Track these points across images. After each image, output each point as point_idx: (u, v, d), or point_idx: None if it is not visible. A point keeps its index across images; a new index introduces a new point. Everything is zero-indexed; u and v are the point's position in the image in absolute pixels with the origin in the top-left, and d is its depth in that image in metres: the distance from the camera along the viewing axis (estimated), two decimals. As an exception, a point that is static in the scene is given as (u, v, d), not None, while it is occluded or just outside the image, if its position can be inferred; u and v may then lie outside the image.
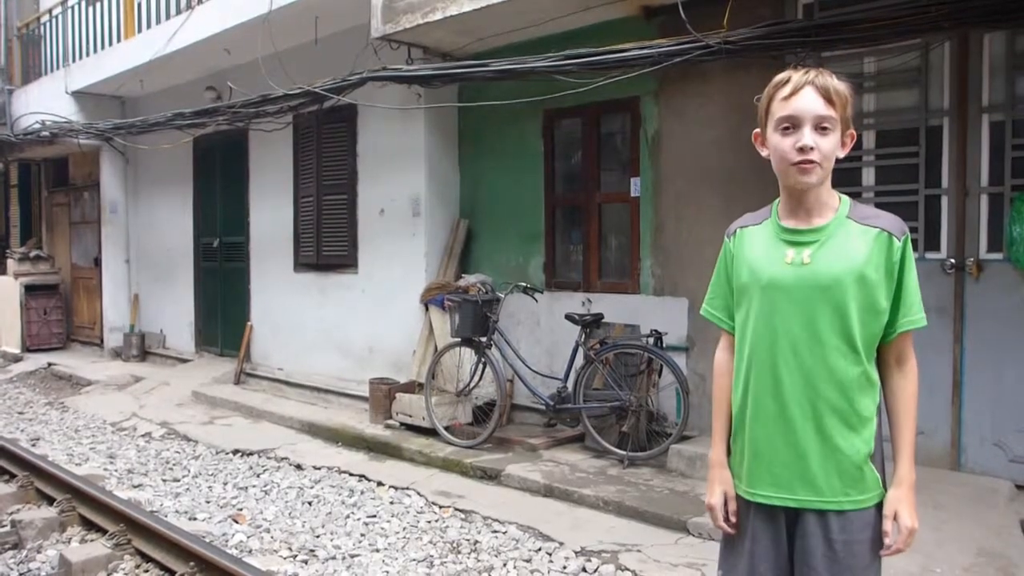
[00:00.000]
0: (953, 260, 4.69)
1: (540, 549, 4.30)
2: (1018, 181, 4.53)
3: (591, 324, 5.78)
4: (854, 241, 1.87)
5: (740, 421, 2.01)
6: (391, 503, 5.15)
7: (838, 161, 1.91)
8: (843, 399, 1.87)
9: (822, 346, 1.86)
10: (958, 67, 4.70)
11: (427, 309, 7.04)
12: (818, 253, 1.88)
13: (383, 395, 6.79)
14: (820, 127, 1.84)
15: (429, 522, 4.78)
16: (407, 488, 5.37)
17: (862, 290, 1.85)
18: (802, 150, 1.83)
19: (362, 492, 5.38)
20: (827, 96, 1.84)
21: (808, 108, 1.84)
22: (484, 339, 6.07)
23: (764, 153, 1.97)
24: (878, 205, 4.98)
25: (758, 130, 1.97)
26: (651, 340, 5.55)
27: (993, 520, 4.10)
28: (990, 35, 4.61)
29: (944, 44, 4.72)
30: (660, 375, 5.62)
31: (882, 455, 1.93)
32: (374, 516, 4.91)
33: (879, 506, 1.91)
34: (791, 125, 1.86)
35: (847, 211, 1.92)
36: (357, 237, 7.85)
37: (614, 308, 6.05)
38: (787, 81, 1.88)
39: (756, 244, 1.99)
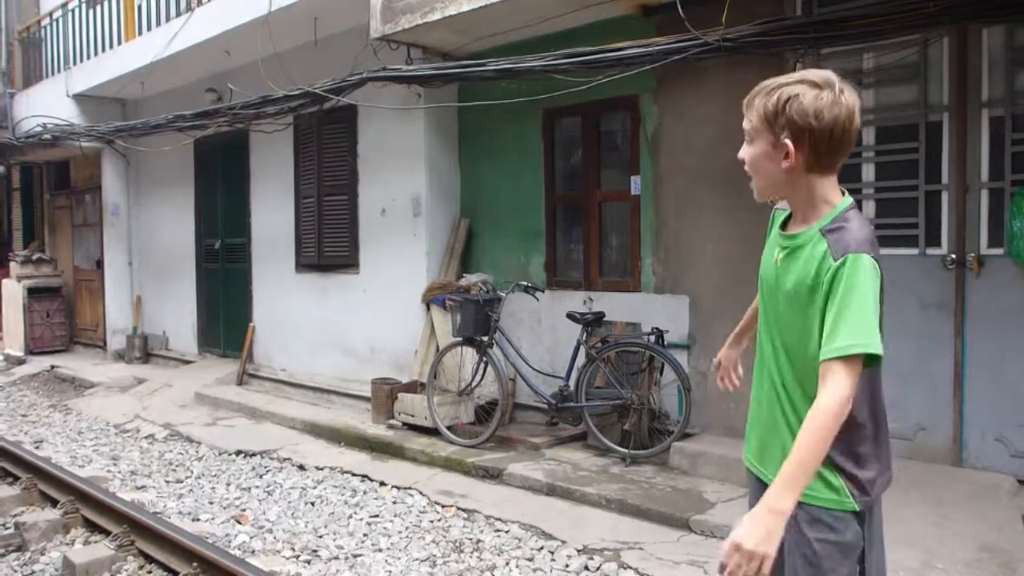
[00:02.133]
0: (954, 256, 4.68)
1: (542, 548, 4.31)
2: (1018, 176, 4.52)
3: (592, 322, 5.79)
4: (812, 257, 1.83)
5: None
6: (394, 503, 5.16)
7: None
8: (796, 398, 1.91)
9: (778, 348, 1.95)
10: (957, 63, 4.69)
11: (429, 309, 7.04)
12: (785, 260, 1.92)
13: (385, 395, 6.80)
14: (747, 139, 1.93)
15: (432, 521, 4.79)
16: (410, 488, 5.38)
17: (796, 308, 1.86)
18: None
19: (365, 492, 5.39)
20: (746, 109, 1.91)
21: (744, 122, 1.93)
22: (486, 338, 6.08)
23: None
24: (878, 201, 5.00)
25: None
26: (652, 338, 5.54)
27: (995, 516, 4.09)
28: (988, 30, 4.60)
29: (943, 40, 4.72)
30: (662, 373, 5.62)
31: (855, 461, 1.87)
32: (377, 516, 4.92)
33: (857, 515, 1.87)
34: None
35: (827, 222, 1.85)
36: (358, 237, 7.86)
37: (615, 306, 6.05)
38: None
39: (774, 231, 2.06)
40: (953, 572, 3.64)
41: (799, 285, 1.84)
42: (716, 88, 5.55)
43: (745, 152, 1.94)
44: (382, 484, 5.52)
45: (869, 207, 5.03)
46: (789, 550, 1.91)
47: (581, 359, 5.81)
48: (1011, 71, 4.55)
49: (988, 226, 4.65)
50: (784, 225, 2.01)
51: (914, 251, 4.83)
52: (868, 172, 5.06)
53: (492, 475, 5.49)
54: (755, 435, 2.06)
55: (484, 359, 6.11)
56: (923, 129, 4.82)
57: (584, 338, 5.78)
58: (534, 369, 6.11)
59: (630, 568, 3.99)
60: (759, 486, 2.03)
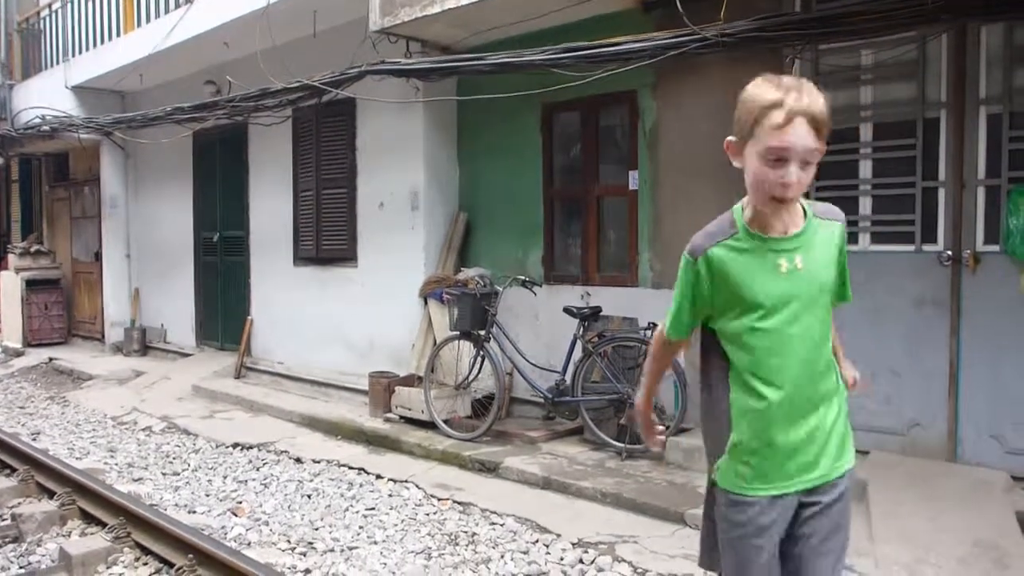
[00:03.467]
0: (950, 252, 4.69)
1: (537, 541, 4.32)
2: (1015, 173, 4.52)
3: (589, 317, 5.80)
4: (825, 239, 1.96)
5: (750, 429, 1.97)
6: (390, 496, 5.17)
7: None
8: (830, 383, 1.99)
9: (815, 341, 1.94)
10: (955, 60, 4.69)
11: (426, 303, 7.05)
12: (807, 257, 1.93)
13: (382, 389, 6.81)
14: (805, 161, 1.81)
15: (427, 514, 4.80)
16: (406, 481, 5.40)
17: (830, 288, 2.00)
18: (786, 186, 1.81)
19: (361, 485, 5.40)
20: (817, 128, 1.79)
21: (800, 144, 1.78)
22: (483, 332, 6.09)
23: (737, 164, 1.92)
24: (875, 198, 5.01)
25: (732, 139, 1.90)
26: (649, 333, 5.56)
27: (989, 512, 4.11)
28: (987, 28, 4.60)
29: (941, 37, 4.72)
30: (658, 368, 5.62)
31: None
32: (372, 509, 4.93)
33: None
34: (780, 158, 1.80)
35: (812, 210, 1.98)
36: (356, 231, 7.86)
37: (613, 301, 6.06)
38: (779, 105, 1.78)
39: (738, 262, 1.93)
40: (946, 567, 3.65)
41: (831, 261, 1.97)
42: (714, 83, 5.54)
43: (801, 175, 1.81)
44: (379, 477, 5.53)
45: (866, 203, 5.04)
46: (817, 527, 1.99)
47: (578, 354, 5.81)
48: (1009, 69, 4.55)
49: (984, 223, 4.65)
50: (758, 236, 1.93)
51: (910, 247, 4.84)
52: (865, 168, 5.05)
53: (488, 469, 5.50)
54: (785, 459, 1.95)
55: (481, 353, 6.12)
56: (920, 126, 4.81)
57: (581, 333, 5.79)
58: (531, 363, 6.11)
59: (624, 561, 4.00)
60: (784, 507, 1.97)
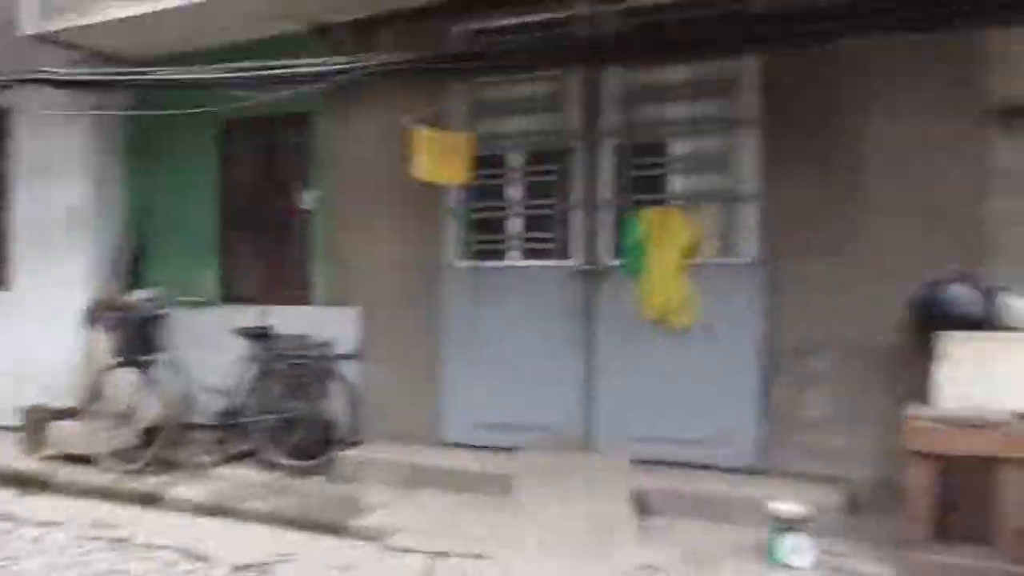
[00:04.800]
0: (584, 267, 5.27)
1: (192, 570, 4.19)
2: (637, 197, 5.19)
3: (261, 337, 5.75)
4: None
5: None
6: (34, 541, 4.74)
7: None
8: None
9: None
10: (587, 97, 5.31)
11: (92, 328, 6.56)
12: None
13: (40, 423, 6.21)
14: None
15: (75, 556, 4.46)
16: (60, 523, 4.98)
17: None
18: None
19: (7, 533, 4.89)
20: None
21: None
22: (150, 357, 5.80)
23: None
24: (526, 218, 5.50)
25: None
26: (322, 350, 5.62)
27: (609, 491, 4.65)
28: (611, 70, 5.24)
29: (574, 77, 5.32)
30: (331, 384, 5.70)
31: None
32: (11, 558, 4.48)
33: None
34: None
35: None
36: (8, 252, 7.15)
37: (288, 319, 6.02)
38: None
39: None
40: (568, 541, 4.21)
41: None
42: (380, 110, 5.77)
43: None
44: (26, 522, 5.04)
45: (516, 223, 5.56)
46: None
47: (252, 374, 5.74)
48: (629, 107, 5.23)
49: (613, 241, 5.28)
50: None
51: (552, 263, 5.38)
52: (516, 191, 5.57)
53: (152, 500, 5.24)
54: None
55: (148, 380, 5.82)
56: (562, 154, 5.38)
57: (255, 353, 5.73)
58: (204, 387, 5.90)
59: (279, 580, 4.01)
60: None
